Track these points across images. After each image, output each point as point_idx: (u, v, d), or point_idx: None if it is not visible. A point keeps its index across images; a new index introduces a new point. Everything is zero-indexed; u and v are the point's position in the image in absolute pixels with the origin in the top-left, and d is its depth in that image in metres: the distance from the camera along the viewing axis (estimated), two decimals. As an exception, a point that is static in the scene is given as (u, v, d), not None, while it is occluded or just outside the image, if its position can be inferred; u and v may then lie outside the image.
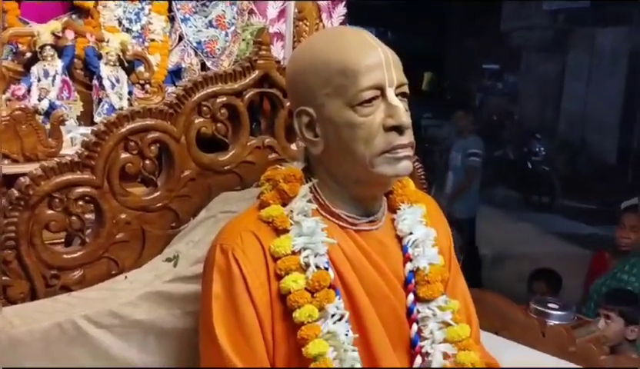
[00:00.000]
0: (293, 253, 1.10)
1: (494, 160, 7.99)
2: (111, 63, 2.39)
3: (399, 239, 1.21)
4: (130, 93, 2.45)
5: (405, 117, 1.07)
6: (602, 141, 7.87)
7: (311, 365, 1.05)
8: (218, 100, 1.38)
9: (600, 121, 7.86)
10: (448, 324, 1.18)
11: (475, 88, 10.17)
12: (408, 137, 1.08)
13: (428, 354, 1.17)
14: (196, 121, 1.37)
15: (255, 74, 1.42)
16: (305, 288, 1.09)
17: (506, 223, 6.82)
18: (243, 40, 2.79)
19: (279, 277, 1.10)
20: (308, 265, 1.10)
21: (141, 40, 2.63)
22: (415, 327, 1.18)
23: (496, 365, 1.30)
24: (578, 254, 5.64)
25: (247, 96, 1.42)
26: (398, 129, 1.07)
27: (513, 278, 4.77)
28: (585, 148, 8.18)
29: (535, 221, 7.11)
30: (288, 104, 1.44)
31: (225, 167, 1.41)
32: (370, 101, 1.07)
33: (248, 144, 1.44)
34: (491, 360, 1.30)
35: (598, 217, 6.35)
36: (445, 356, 1.17)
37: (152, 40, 2.66)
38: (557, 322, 1.67)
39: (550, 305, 1.75)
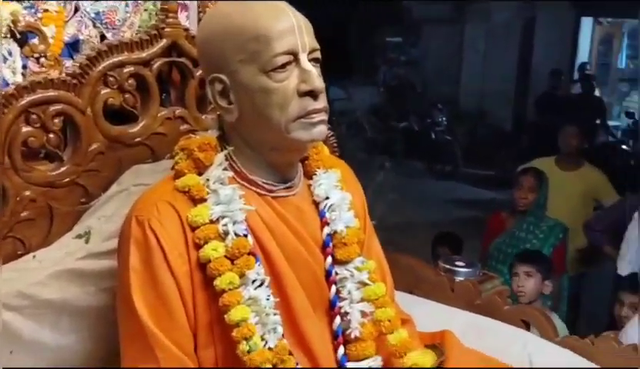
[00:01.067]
0: (211, 221, 1.10)
1: (400, 131, 8.23)
2: (2, 35, 2.24)
3: (316, 204, 1.23)
4: (24, 67, 2.30)
5: (318, 81, 1.08)
6: (499, 110, 8.27)
7: (234, 331, 1.06)
8: (125, 70, 1.34)
9: (496, 91, 8.25)
10: (365, 284, 1.22)
11: (380, 61, 10.36)
12: (322, 102, 1.10)
13: (346, 313, 1.21)
14: (102, 92, 1.32)
15: (163, 42, 1.38)
16: (225, 256, 1.09)
17: (412, 192, 7.06)
18: (145, 10, 2.68)
19: (198, 247, 1.09)
20: (226, 233, 1.10)
21: (33, 10, 2.47)
22: (333, 288, 1.22)
23: (410, 321, 1.37)
24: (480, 218, 5.95)
25: (155, 66, 1.38)
26: (312, 94, 1.08)
27: (417, 243, 4.92)
28: (484, 118, 8.56)
29: (439, 189, 7.41)
30: (198, 73, 1.41)
31: (136, 140, 1.37)
32: (284, 66, 1.07)
33: (159, 115, 1.40)
34: (405, 317, 1.36)
35: (497, 183, 6.68)
36: (363, 314, 1.21)
37: (46, 10, 2.50)
38: (464, 278, 1.77)
39: (457, 263, 1.84)
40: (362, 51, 10.28)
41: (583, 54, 9.10)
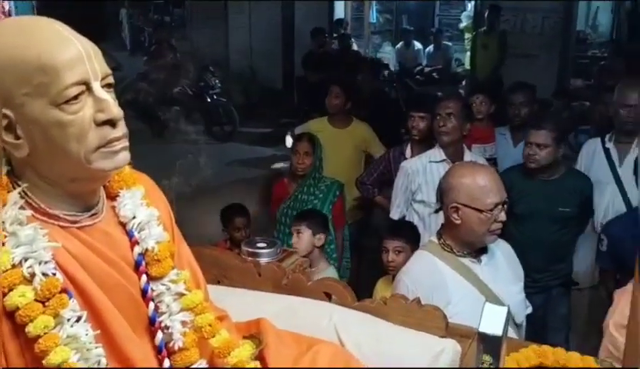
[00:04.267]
0: (14, 266, 1.03)
1: (176, 96, 8.04)
2: None
3: (123, 225, 1.21)
4: None
5: (116, 109, 1.06)
6: (269, 69, 8.52)
7: (57, 373, 1.02)
8: None
9: (264, 51, 8.47)
10: (182, 294, 1.25)
11: (145, 24, 9.94)
12: (122, 129, 1.07)
13: (167, 327, 1.23)
14: None
15: None
16: (35, 299, 1.03)
17: (193, 156, 7.00)
18: None
19: (3, 295, 1.02)
20: (33, 275, 1.04)
21: None
22: (151, 305, 1.22)
23: (227, 316, 1.43)
24: (265, 175, 6.17)
25: None
26: (111, 122, 1.05)
27: (206, 213, 4.92)
28: (255, 77, 8.76)
29: (219, 151, 7.49)
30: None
31: None
32: (76, 97, 1.02)
33: None
34: (221, 313, 1.42)
35: (274, 140, 6.95)
36: (184, 324, 1.24)
37: None
38: (267, 259, 1.86)
39: (259, 245, 1.91)
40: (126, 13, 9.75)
41: (339, 10, 9.72)
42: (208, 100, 7.89)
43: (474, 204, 2.05)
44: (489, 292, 2.10)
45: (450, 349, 1.49)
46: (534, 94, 4.16)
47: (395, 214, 3.43)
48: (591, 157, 3.44)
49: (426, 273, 2.14)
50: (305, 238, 3.03)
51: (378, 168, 3.77)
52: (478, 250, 2.16)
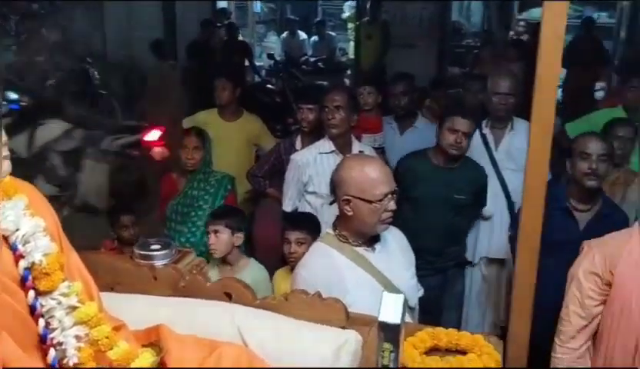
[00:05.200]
0: None
1: (50, 90, 7.56)
2: None
3: (6, 238, 1.12)
4: None
5: None
6: (150, 59, 8.19)
7: None
8: None
9: (144, 39, 8.11)
10: (74, 307, 1.19)
11: (10, 11, 9.21)
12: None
13: (60, 343, 1.17)
14: None
15: None
16: None
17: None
18: None
19: None
20: None
21: None
22: (41, 322, 1.15)
23: (124, 326, 1.37)
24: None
25: None
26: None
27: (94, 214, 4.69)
28: (134, 68, 8.38)
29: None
30: None
31: None
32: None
33: None
34: (117, 322, 1.36)
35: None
36: (78, 338, 1.18)
37: None
38: (163, 261, 1.80)
39: (153, 247, 1.84)
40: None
41: (222, -1, 9.55)
42: (86, 92, 7.47)
43: (363, 195, 2.10)
44: (384, 279, 2.16)
45: (352, 340, 1.52)
46: (413, 83, 4.31)
47: (287, 207, 3.43)
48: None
49: (323, 265, 2.17)
50: (223, 239, 2.89)
51: (269, 160, 3.75)
52: (372, 239, 2.22)
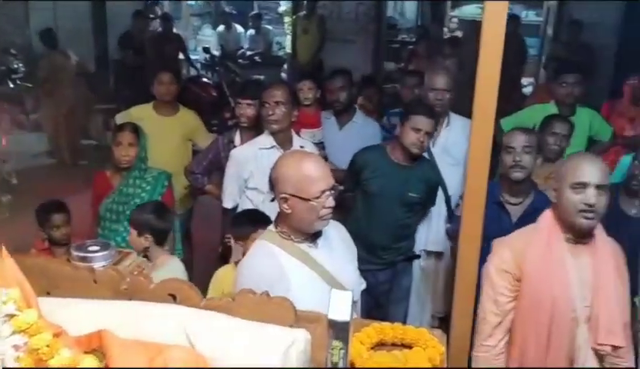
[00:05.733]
0: None
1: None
2: None
3: None
4: None
5: None
6: (78, 51, 7.88)
7: None
8: None
9: (71, 30, 7.80)
10: (12, 316, 1.13)
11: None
12: None
13: (-3, 353, 1.11)
14: None
15: None
16: None
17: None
18: None
19: None
20: None
21: None
22: (-24, 332, 1.09)
23: (63, 333, 1.31)
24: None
25: None
26: None
27: (18, 213, 4.47)
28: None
29: (26, 142, 6.90)
30: None
31: None
32: None
33: None
34: (56, 329, 1.30)
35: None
36: (17, 348, 1.13)
37: None
38: (102, 263, 1.74)
39: (90, 249, 1.78)
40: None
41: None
42: (11, 86, 7.15)
43: (300, 193, 2.08)
44: (327, 274, 2.16)
45: (301, 339, 1.51)
46: (351, 78, 4.33)
47: (227, 203, 3.40)
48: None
49: (266, 263, 2.15)
50: (131, 238, 2.90)
51: (207, 157, 3.68)
52: (314, 235, 2.21)
